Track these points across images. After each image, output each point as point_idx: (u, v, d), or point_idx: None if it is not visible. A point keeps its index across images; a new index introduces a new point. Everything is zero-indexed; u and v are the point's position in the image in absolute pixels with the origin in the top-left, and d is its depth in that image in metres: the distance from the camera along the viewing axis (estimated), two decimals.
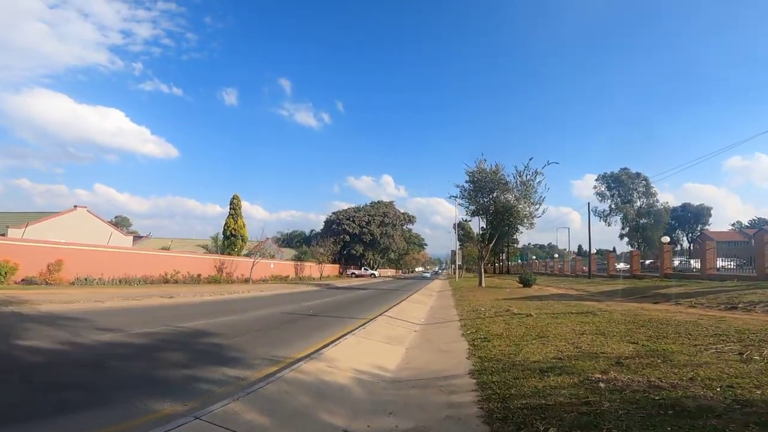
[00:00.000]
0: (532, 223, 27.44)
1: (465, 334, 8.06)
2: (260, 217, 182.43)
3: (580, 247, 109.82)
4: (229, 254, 34.36)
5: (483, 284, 27.31)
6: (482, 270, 28.34)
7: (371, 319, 10.90)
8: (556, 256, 57.82)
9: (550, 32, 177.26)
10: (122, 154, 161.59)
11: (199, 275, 28.98)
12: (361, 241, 64.88)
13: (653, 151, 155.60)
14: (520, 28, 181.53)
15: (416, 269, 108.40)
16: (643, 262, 35.21)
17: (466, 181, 27.80)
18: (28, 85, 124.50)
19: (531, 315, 9.69)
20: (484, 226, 31.54)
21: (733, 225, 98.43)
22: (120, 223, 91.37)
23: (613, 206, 63.44)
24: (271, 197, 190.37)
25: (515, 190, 26.08)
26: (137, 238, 61.83)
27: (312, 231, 73.96)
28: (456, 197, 29.31)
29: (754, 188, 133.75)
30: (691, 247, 74.84)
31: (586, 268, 38.91)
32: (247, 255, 37.04)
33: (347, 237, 63.71)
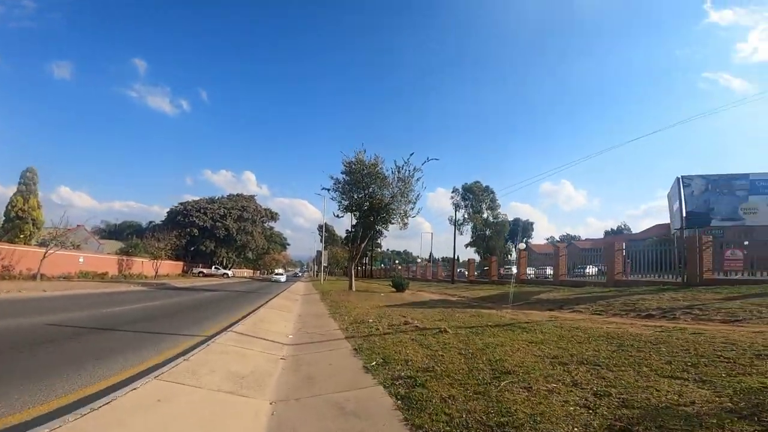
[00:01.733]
0: (405, 223, 26.03)
1: (369, 367, 4.89)
2: (85, 206, 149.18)
3: (431, 254, 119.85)
4: (10, 242, 24.43)
5: (353, 288, 24.71)
6: (353, 272, 25.78)
7: (211, 337, 6.91)
8: (419, 260, 59.64)
9: (417, 57, 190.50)
10: None
11: None
12: (214, 237, 56.46)
13: (498, 171, 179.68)
14: (391, 46, 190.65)
15: (277, 270, 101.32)
16: (485, 269, 38.13)
17: (342, 172, 24.98)
18: None
19: (446, 331, 7.06)
20: (355, 224, 29.22)
21: (547, 239, 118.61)
22: None
23: (466, 216, 68.79)
24: (103, 184, 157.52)
25: (393, 186, 24.30)
26: None
27: (151, 223, 61.77)
28: (329, 189, 26.10)
29: (558, 209, 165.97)
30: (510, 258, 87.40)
31: (444, 274, 40.35)
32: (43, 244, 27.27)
33: (196, 231, 54.64)
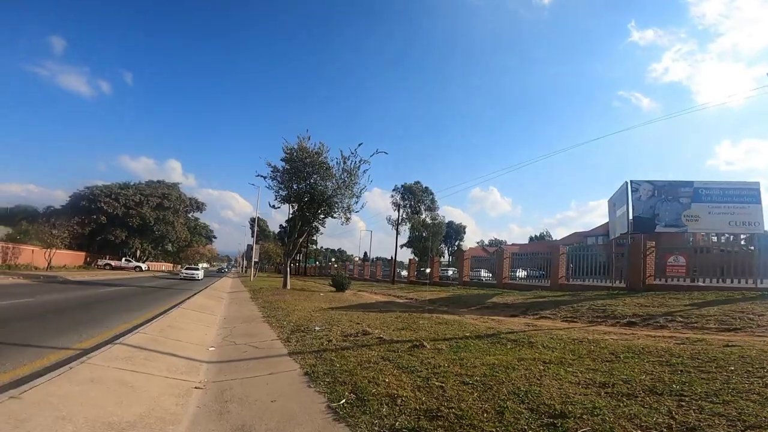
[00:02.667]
0: (348, 218, 24.29)
1: (339, 410, 3.16)
2: None
3: (365, 254, 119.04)
4: None
5: (289, 286, 22.41)
6: (288, 269, 23.40)
7: (86, 352, 4.66)
8: (357, 259, 58.03)
9: (355, 55, 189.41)
10: None
11: None
12: (126, 226, 49.97)
13: (431, 175, 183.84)
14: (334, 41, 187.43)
15: (188, 266, 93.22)
16: (423, 270, 37.93)
17: (282, 159, 22.57)
18: None
19: (422, 345, 5.50)
20: (292, 217, 26.87)
21: (477, 242, 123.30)
22: None
23: (404, 216, 68.53)
24: None
25: (337, 178, 22.41)
26: None
27: (49, 207, 53.06)
28: (265, 177, 23.42)
29: (485, 215, 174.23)
30: (451, 259, 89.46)
31: (382, 274, 39.31)
32: None
33: (104, 218, 47.90)
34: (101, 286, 19.69)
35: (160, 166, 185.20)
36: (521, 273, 23.70)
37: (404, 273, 35.83)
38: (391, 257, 42.83)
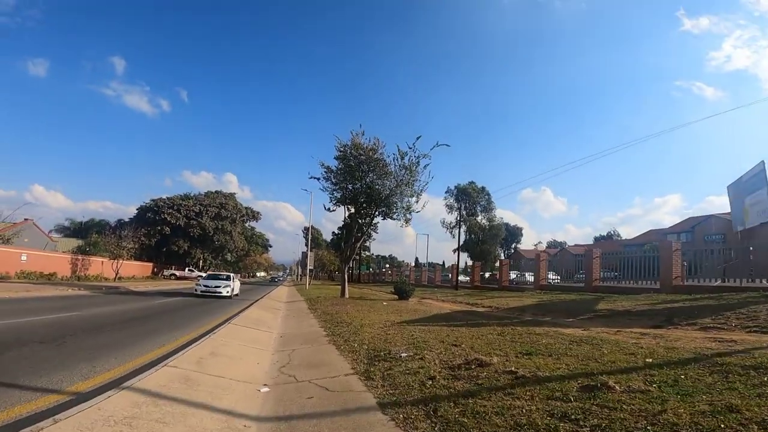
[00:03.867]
0: (408, 219, 22.25)
1: None
2: (60, 205, 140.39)
3: (416, 259, 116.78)
4: None
5: (347, 294, 20.71)
6: (346, 276, 21.70)
7: (65, 409, 2.84)
8: (412, 265, 55.89)
9: (400, 57, 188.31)
10: None
11: None
12: (188, 236, 51.40)
13: (483, 176, 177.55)
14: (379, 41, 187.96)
15: (258, 274, 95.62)
16: (483, 274, 35.08)
17: (335, 158, 20.99)
18: None
19: (606, 385, 3.23)
20: (349, 219, 25.29)
21: (535, 245, 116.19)
22: None
23: (459, 218, 65.52)
24: (78, 184, 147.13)
25: (395, 176, 20.41)
26: None
27: (120, 221, 56.18)
28: (319, 179, 21.92)
29: (538, 216, 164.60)
30: (510, 262, 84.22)
31: (438, 280, 37.01)
32: None
33: (167, 229, 49.56)
34: (158, 296, 19.12)
35: (218, 180, 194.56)
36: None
37: (463, 278, 33.47)
38: (453, 263, 40.36)
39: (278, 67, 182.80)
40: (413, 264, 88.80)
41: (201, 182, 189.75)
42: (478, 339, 6.53)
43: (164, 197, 53.42)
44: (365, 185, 20.76)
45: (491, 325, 8.55)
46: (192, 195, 56.19)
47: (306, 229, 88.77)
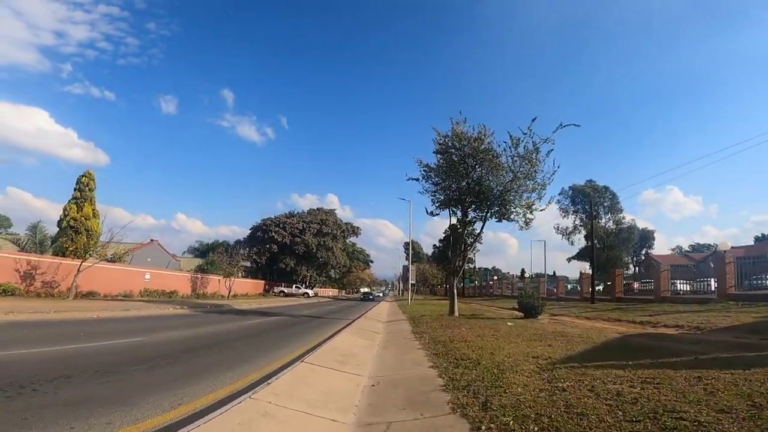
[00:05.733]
0: (529, 220, 18.06)
1: None
2: (198, 231, 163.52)
3: (523, 270, 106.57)
4: (59, 255, 21.52)
5: (456, 312, 17.25)
6: (455, 291, 18.24)
7: None
8: (527, 276, 49.84)
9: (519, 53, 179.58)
10: (42, 158, 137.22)
11: None
12: (293, 254, 52.82)
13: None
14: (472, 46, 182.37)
15: (361, 290, 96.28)
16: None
17: (435, 152, 17.85)
18: None
19: None
20: (456, 225, 21.86)
21: (673, 249, 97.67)
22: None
23: (578, 222, 57.18)
24: (211, 211, 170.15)
25: (511, 168, 16.51)
26: None
27: (237, 241, 60.67)
28: (418, 179, 18.94)
29: (664, 218, 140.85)
30: (637, 270, 70.43)
31: (561, 292, 31.18)
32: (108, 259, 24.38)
33: (275, 247, 51.52)
34: (256, 315, 17.96)
35: (321, 201, 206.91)
36: None
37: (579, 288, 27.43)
38: (532, 274, 34.11)
39: (370, 89, 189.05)
40: (520, 275, 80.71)
41: (307, 204, 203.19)
42: None
43: (272, 217, 56.06)
44: (473, 182, 17.25)
45: (744, 369, 4.50)
46: (295, 213, 58.13)
47: (406, 244, 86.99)
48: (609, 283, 28.71)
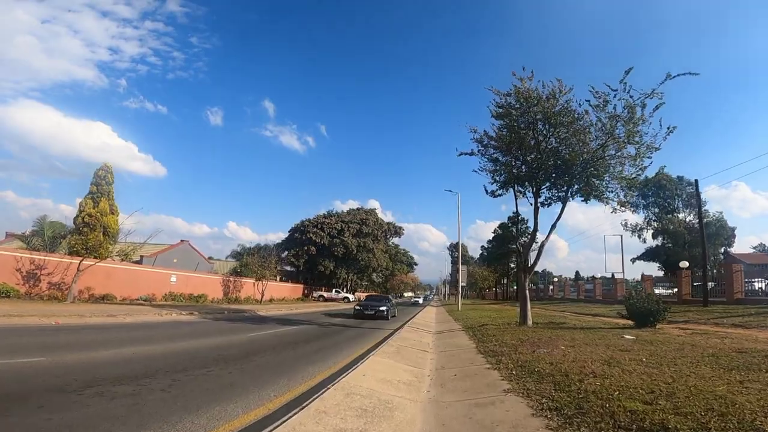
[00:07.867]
0: (626, 202, 13.56)
1: None
2: (248, 238, 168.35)
3: (577, 273, 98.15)
4: (73, 253, 19.53)
5: (530, 321, 13.06)
6: (527, 293, 13.96)
7: None
8: (588, 278, 43.90)
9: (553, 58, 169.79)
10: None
11: None
12: (332, 256, 49.87)
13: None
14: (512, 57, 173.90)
15: (405, 294, 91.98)
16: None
17: (494, 116, 13.60)
18: (15, 98, 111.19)
19: None
20: (516, 210, 17.56)
21: (755, 248, 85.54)
22: None
23: (652, 217, 50.06)
24: (259, 219, 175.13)
25: (602, 131, 12.01)
26: None
27: (276, 244, 58.92)
28: (470, 153, 14.78)
29: (731, 216, 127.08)
30: (716, 271, 61.33)
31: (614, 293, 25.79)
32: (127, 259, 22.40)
33: (313, 249, 48.83)
34: (278, 324, 14.76)
35: (363, 207, 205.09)
36: None
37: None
38: (594, 276, 28.16)
39: (408, 95, 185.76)
40: (574, 278, 73.14)
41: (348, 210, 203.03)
42: None
43: (310, 218, 53.56)
44: (546, 153, 12.97)
45: None
46: (334, 212, 55.40)
47: (452, 246, 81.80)
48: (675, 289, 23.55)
